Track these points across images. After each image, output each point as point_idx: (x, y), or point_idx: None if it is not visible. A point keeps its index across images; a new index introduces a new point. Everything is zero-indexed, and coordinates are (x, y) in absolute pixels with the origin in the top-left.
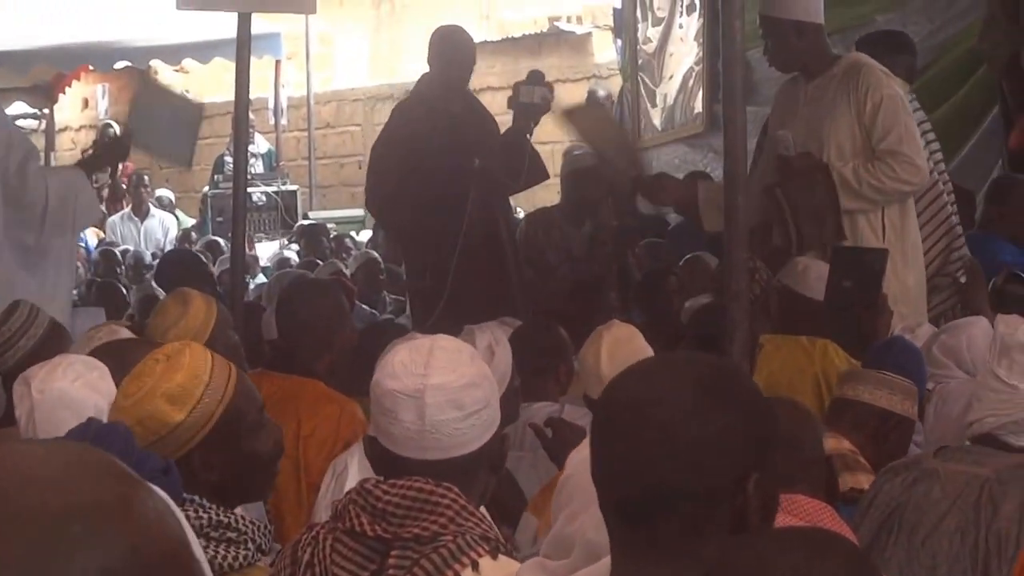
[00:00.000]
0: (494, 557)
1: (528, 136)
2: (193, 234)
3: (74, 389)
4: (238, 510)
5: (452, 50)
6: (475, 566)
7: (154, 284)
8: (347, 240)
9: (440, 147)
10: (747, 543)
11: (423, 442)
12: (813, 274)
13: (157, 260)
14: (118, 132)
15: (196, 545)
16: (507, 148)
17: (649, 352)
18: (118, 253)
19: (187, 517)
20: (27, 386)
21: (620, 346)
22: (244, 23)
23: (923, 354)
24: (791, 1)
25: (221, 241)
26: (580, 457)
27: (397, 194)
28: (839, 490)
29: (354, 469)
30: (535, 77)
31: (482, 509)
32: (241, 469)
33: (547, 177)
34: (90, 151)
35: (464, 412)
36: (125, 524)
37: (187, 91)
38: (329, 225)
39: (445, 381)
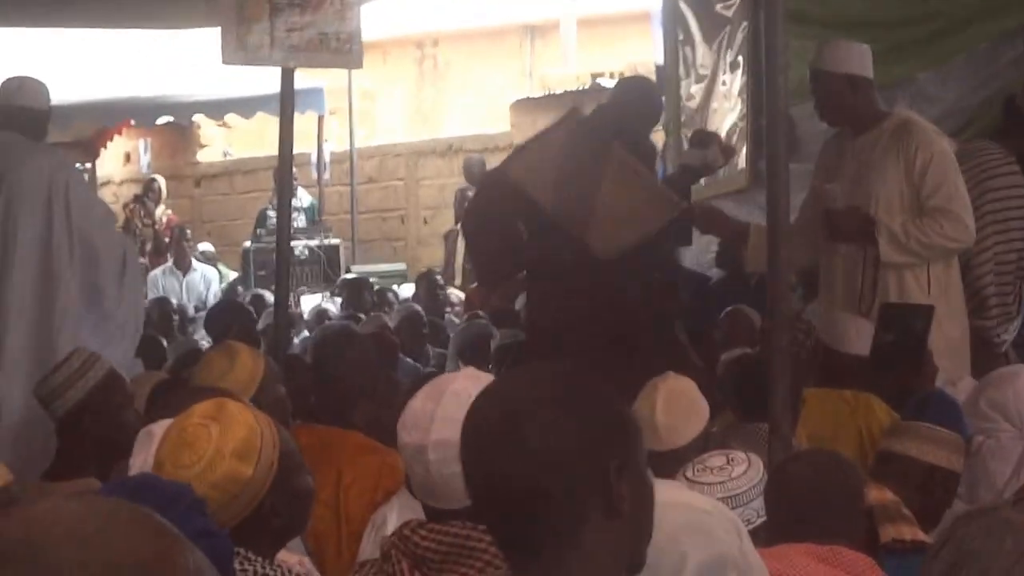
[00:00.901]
0: None
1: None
2: (239, 287)
3: None
4: (281, 555)
5: (639, 101)
6: None
7: (196, 337)
8: (389, 294)
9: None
10: None
11: (435, 493)
12: (852, 330)
13: (201, 313)
14: (162, 187)
15: None
16: None
17: (703, 403)
18: (173, 303)
19: (233, 571)
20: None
21: (676, 398)
22: (288, 78)
23: (966, 407)
24: (845, 55)
25: (267, 294)
26: None
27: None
28: (880, 541)
29: (392, 520)
30: (702, 139)
31: None
32: (297, 506)
33: (689, 243)
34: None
35: None
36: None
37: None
38: (371, 279)
39: (447, 436)
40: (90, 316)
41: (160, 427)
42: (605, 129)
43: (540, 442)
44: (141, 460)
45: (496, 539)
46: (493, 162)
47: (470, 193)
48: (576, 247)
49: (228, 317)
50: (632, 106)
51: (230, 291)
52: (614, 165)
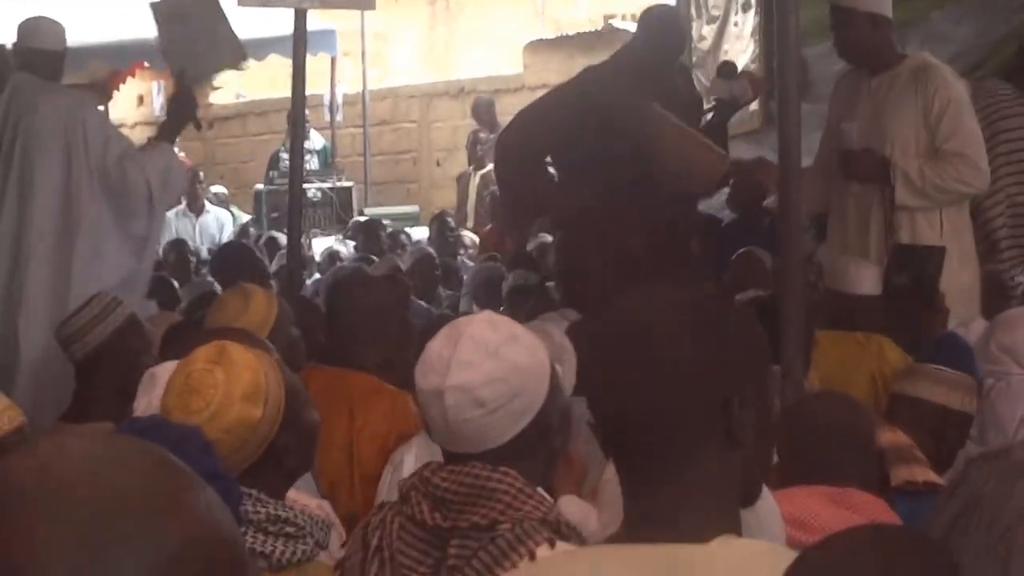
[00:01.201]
0: (552, 545)
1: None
2: (251, 229)
3: None
4: (300, 499)
5: (661, 33)
6: (532, 556)
7: (210, 279)
8: (402, 236)
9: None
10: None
11: (451, 438)
12: (862, 273)
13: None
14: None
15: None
16: None
17: None
18: (190, 245)
19: (246, 511)
20: (155, 381)
21: None
22: (301, 20)
23: (977, 349)
24: None
25: (280, 236)
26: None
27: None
28: (891, 484)
29: (410, 462)
30: (730, 71)
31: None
32: (307, 443)
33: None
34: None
35: (486, 409)
36: (176, 518)
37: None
38: (384, 221)
39: (464, 380)
40: (123, 247)
41: (163, 370)
42: (637, 73)
43: (670, 357)
44: (145, 403)
45: (613, 458)
46: (505, 103)
47: (482, 135)
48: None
49: (234, 259)
50: (659, 39)
51: (241, 233)
52: (663, 126)
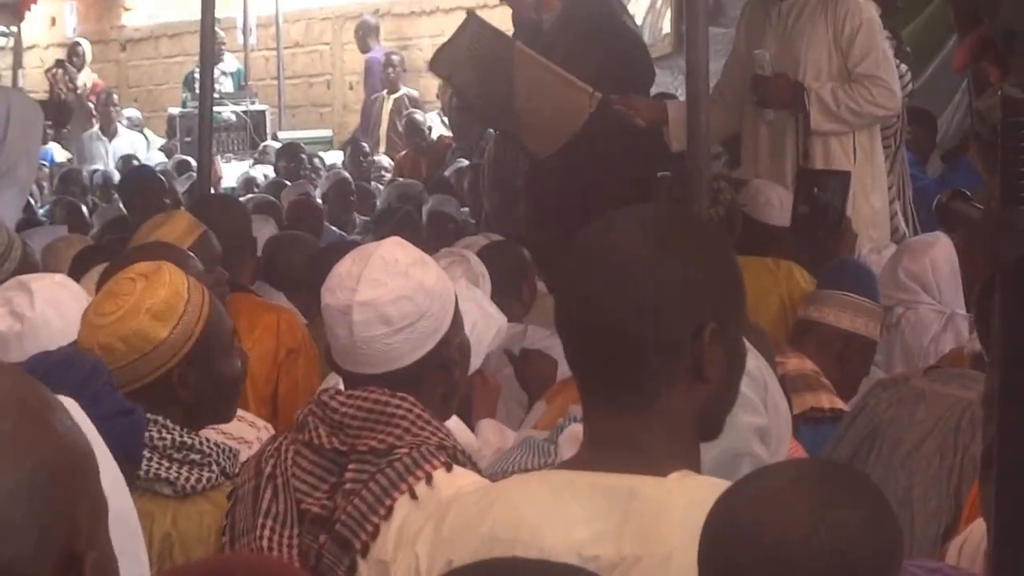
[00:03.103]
0: (449, 469)
1: None
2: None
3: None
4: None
5: None
6: (429, 479)
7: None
8: (316, 160)
9: None
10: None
11: (356, 356)
12: (773, 198)
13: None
14: (87, 51)
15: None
16: None
17: None
18: (85, 174)
19: (151, 437)
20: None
21: None
22: None
23: (885, 276)
24: None
25: (190, 160)
26: None
27: None
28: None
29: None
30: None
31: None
32: (214, 390)
33: None
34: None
35: (393, 327)
36: (44, 432)
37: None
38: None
39: (373, 297)
40: None
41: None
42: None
43: (640, 282)
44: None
45: (577, 377)
46: (419, 26)
47: (395, 57)
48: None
49: (142, 183)
50: None
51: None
52: (522, 65)
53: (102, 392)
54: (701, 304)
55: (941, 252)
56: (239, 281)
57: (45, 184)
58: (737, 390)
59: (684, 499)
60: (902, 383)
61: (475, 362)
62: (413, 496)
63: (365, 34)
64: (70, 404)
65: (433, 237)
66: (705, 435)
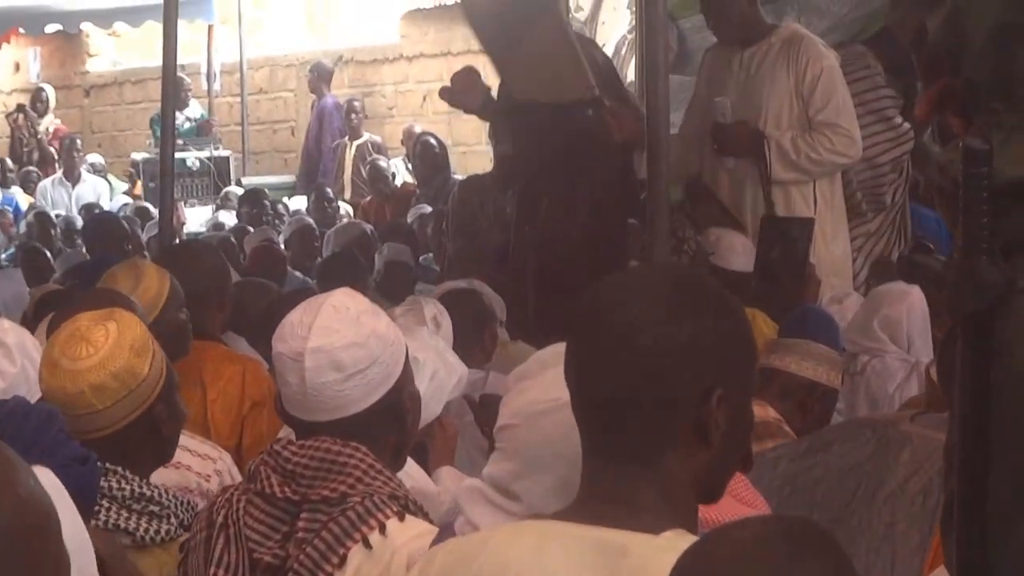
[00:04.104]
0: (401, 519)
1: None
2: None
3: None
4: (155, 479)
5: None
6: (382, 528)
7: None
8: (279, 206)
9: None
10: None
11: (307, 404)
12: (736, 245)
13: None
14: (51, 97)
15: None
16: None
17: None
18: (52, 217)
19: (110, 487)
20: None
21: None
22: None
23: (855, 324)
24: None
25: (150, 207)
26: (520, 404)
27: None
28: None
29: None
30: None
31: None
32: (176, 425)
33: None
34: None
35: (344, 373)
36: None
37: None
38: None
39: (325, 343)
40: None
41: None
42: None
43: (647, 343)
44: None
45: (580, 429)
46: (382, 73)
47: (356, 103)
48: None
49: (105, 231)
50: None
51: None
52: (553, 22)
53: (57, 439)
54: (708, 368)
55: (916, 300)
56: (207, 330)
57: (13, 229)
58: (740, 457)
59: (675, 558)
60: (890, 426)
61: (436, 410)
62: (367, 545)
63: (320, 76)
64: (41, 472)
65: (387, 288)
66: (705, 497)
